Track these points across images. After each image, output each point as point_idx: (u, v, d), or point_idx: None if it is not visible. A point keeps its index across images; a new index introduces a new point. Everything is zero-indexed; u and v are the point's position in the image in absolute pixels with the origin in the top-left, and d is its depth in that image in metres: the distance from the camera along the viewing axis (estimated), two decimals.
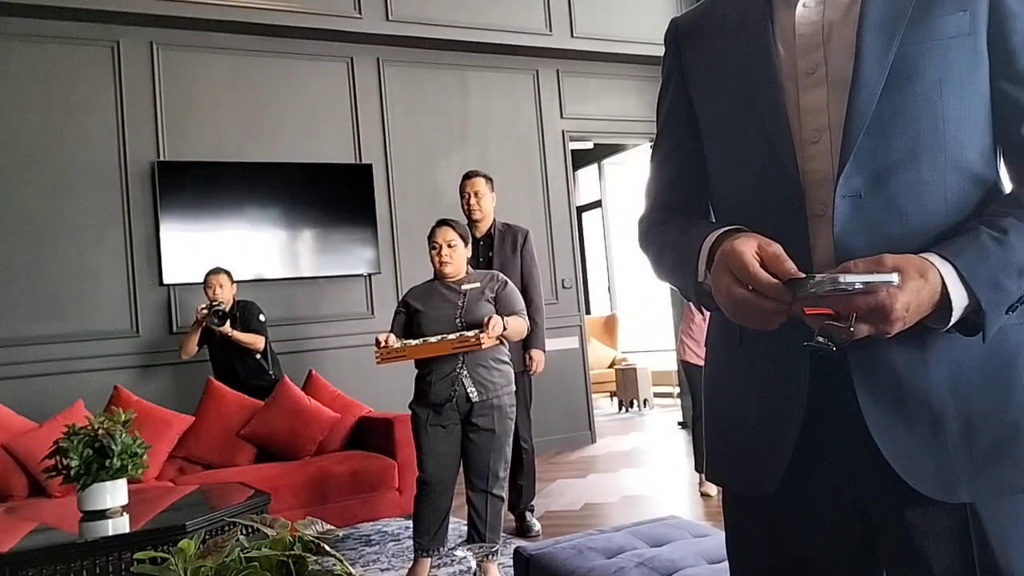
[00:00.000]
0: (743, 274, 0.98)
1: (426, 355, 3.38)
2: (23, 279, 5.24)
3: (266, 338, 4.98)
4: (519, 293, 3.62)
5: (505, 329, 3.37)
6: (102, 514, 2.70)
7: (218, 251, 5.69)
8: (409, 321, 3.54)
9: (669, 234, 1.22)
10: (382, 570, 3.78)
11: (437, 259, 3.51)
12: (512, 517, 4.36)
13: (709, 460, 1.24)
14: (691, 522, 2.62)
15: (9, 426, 4.06)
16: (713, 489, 4.81)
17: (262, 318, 4.99)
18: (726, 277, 1.01)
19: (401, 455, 4.34)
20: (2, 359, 5.10)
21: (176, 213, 5.61)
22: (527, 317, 3.59)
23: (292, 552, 1.49)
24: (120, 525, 2.65)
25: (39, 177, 5.34)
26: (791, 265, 0.96)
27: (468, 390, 3.37)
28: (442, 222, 3.58)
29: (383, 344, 3.34)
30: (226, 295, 4.93)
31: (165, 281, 5.56)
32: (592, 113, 7.30)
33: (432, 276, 3.63)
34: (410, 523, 4.46)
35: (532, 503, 4.45)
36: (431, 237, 3.55)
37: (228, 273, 5.02)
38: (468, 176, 4.37)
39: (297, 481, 4.09)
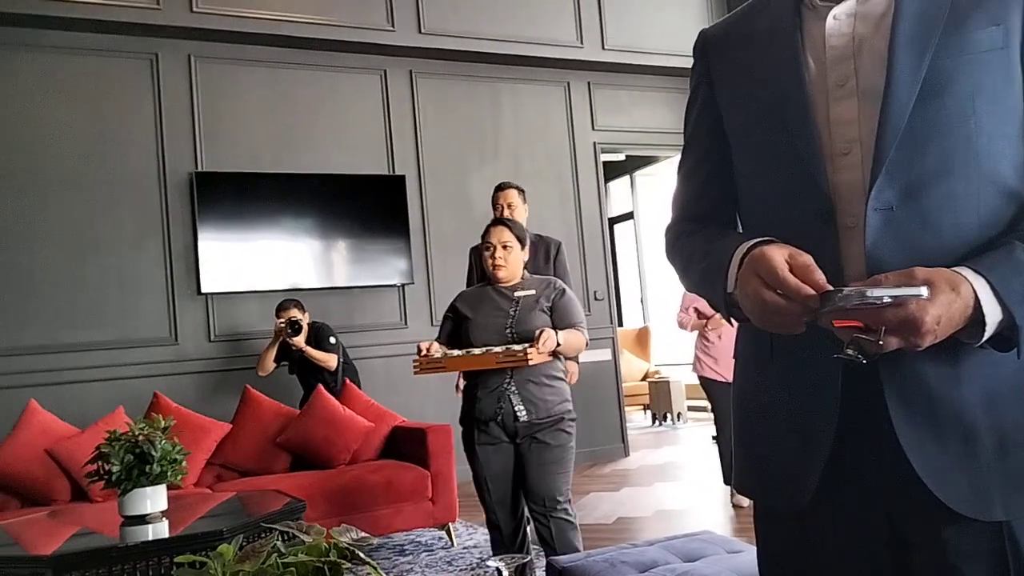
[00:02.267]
0: (772, 278, 0.98)
1: (467, 368, 3.11)
2: (65, 288, 5.36)
3: (339, 359, 5.14)
4: (578, 303, 3.22)
5: (559, 345, 2.99)
6: (142, 519, 2.75)
7: (254, 261, 5.79)
8: (457, 328, 3.21)
9: (697, 245, 1.22)
10: None
11: (490, 261, 3.15)
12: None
13: (738, 472, 1.23)
14: (725, 537, 2.60)
15: (52, 432, 4.14)
16: (745, 501, 4.78)
17: (333, 340, 5.17)
18: (754, 280, 1.01)
19: (435, 465, 4.35)
20: (45, 366, 5.22)
21: (214, 223, 5.70)
22: (586, 330, 3.20)
23: (328, 559, 1.51)
24: (160, 530, 2.69)
25: (81, 187, 5.46)
26: (821, 276, 0.96)
27: (516, 408, 3.02)
28: (497, 221, 3.26)
29: (423, 352, 3.05)
30: (301, 320, 5.12)
31: (203, 290, 5.65)
32: (623, 125, 7.31)
33: (484, 280, 3.32)
34: (442, 534, 4.49)
35: None
36: (485, 237, 3.20)
37: (299, 303, 5.21)
38: (501, 188, 4.40)
39: (331, 489, 4.13)
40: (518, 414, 3.02)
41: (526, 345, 2.95)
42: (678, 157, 1.34)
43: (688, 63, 1.33)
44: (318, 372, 5.05)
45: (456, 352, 3.08)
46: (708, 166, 1.27)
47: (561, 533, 3.01)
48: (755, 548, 1.24)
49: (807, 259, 0.98)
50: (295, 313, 5.12)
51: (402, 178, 6.35)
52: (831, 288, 0.95)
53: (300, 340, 5.04)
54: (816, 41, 1.11)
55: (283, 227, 5.95)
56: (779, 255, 0.99)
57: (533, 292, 3.15)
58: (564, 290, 3.17)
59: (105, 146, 5.55)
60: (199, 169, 5.75)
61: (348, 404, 4.70)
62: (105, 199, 5.52)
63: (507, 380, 3.03)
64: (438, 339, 3.22)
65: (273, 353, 5.18)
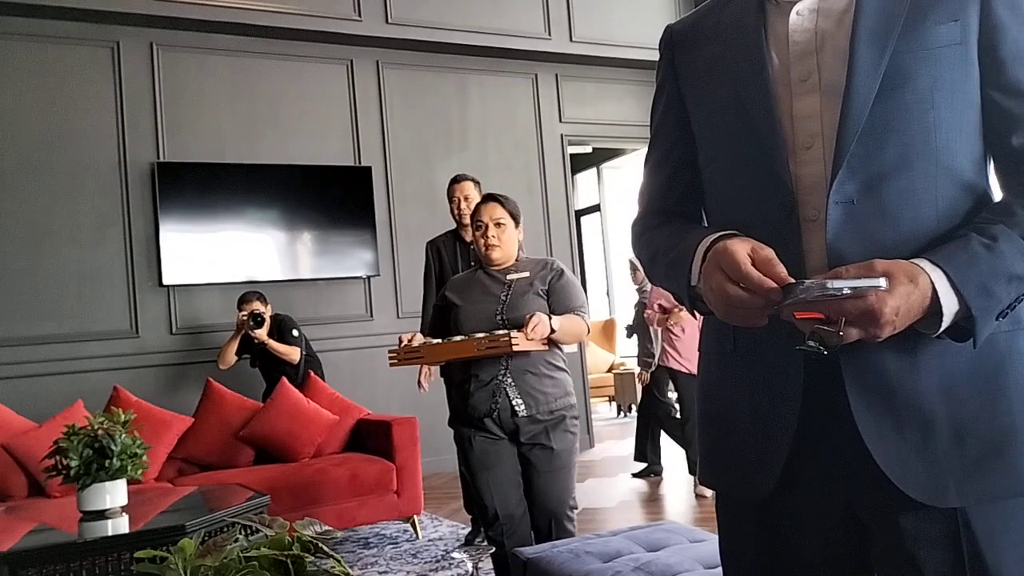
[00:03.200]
0: (735, 272, 0.99)
1: (447, 357, 2.87)
2: (23, 279, 5.25)
3: (302, 351, 5.09)
4: (579, 286, 2.95)
5: (553, 331, 2.72)
6: (102, 514, 2.71)
7: (217, 253, 5.72)
8: (445, 318, 2.94)
9: (663, 238, 1.23)
10: (380, 573, 3.79)
11: (483, 242, 2.89)
12: None
13: (702, 463, 1.25)
14: (687, 527, 2.63)
15: (9, 426, 4.06)
16: (709, 491, 4.84)
17: (295, 332, 5.12)
18: (718, 275, 1.02)
19: (399, 458, 4.34)
20: (2, 359, 5.11)
21: (176, 214, 5.62)
22: (587, 315, 2.90)
23: (291, 552, 1.50)
24: (120, 525, 2.65)
25: (39, 178, 5.35)
26: (782, 269, 0.97)
27: (513, 402, 2.75)
28: (489, 196, 2.99)
29: (404, 343, 2.84)
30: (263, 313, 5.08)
31: (165, 282, 5.57)
32: (591, 117, 7.32)
33: (475, 264, 3.08)
34: (407, 526, 4.48)
35: None
36: (475, 216, 2.95)
37: (261, 296, 5.16)
38: (456, 180, 4.38)
39: (295, 483, 4.10)
40: (516, 408, 2.75)
41: (514, 331, 2.68)
42: (645, 150, 1.35)
43: (656, 56, 1.33)
44: (281, 365, 5.01)
45: (435, 340, 2.84)
46: (674, 160, 1.28)
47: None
48: (717, 537, 1.25)
49: (769, 253, 0.99)
50: (257, 305, 5.07)
51: (368, 169, 6.31)
52: (793, 281, 0.96)
53: (262, 333, 4.99)
54: (779, 37, 1.12)
55: (247, 218, 5.88)
56: (742, 249, 1.00)
57: (527, 274, 2.87)
58: (562, 271, 2.90)
59: (65, 135, 5.44)
60: (161, 159, 5.66)
61: (312, 397, 4.67)
62: (65, 189, 5.41)
63: (502, 372, 2.76)
64: (422, 330, 3.03)
65: (235, 346, 5.12)
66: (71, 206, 5.42)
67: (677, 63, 1.26)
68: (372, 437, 4.56)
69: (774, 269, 0.97)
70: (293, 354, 5.03)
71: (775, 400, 1.09)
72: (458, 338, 2.77)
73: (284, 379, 4.74)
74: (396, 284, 6.37)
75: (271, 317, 5.12)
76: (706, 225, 1.26)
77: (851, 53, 1.04)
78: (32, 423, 4.13)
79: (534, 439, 2.77)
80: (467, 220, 4.31)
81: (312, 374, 4.94)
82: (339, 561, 1.51)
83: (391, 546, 4.26)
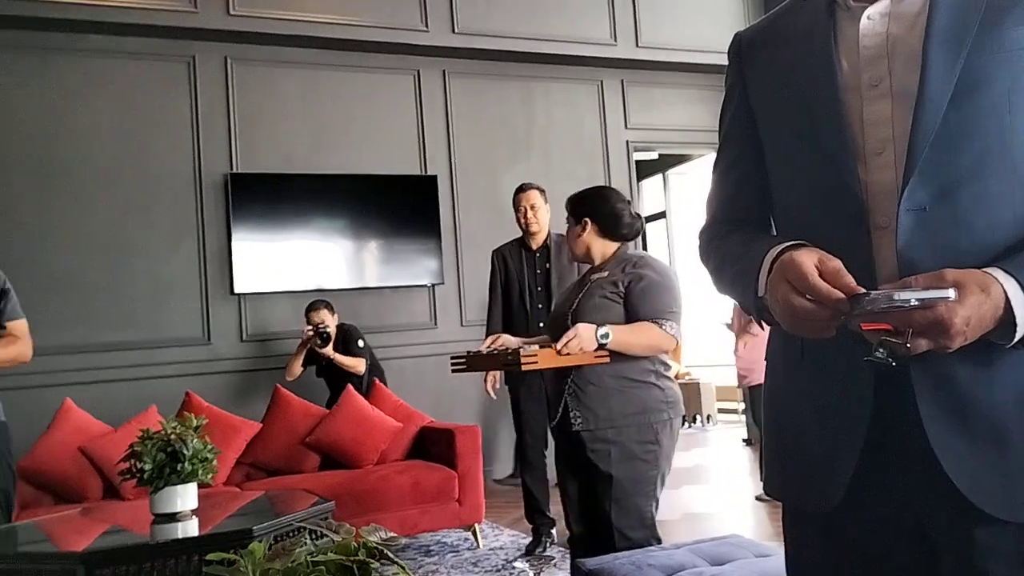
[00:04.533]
0: (802, 283, 0.98)
1: (470, 369, 2.79)
2: (101, 288, 5.44)
3: (367, 362, 5.15)
4: (664, 289, 2.60)
5: (601, 344, 2.49)
6: (173, 517, 2.77)
7: (286, 261, 5.83)
8: None
9: (730, 247, 1.22)
10: None
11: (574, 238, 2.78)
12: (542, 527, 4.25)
13: (768, 474, 1.23)
14: (753, 541, 2.58)
15: (86, 430, 4.19)
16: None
17: (361, 344, 5.19)
18: (784, 286, 1.01)
19: (462, 466, 4.35)
20: (80, 365, 5.29)
21: (247, 224, 5.76)
22: (670, 325, 2.58)
23: (357, 558, 1.51)
24: (190, 528, 2.71)
25: (117, 189, 5.54)
26: (850, 280, 0.96)
27: (571, 414, 2.57)
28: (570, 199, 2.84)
29: (487, 345, 2.75)
30: (329, 324, 5.15)
31: (236, 290, 5.71)
32: (657, 123, 7.27)
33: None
34: (468, 535, 4.48)
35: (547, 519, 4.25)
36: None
37: (328, 304, 5.23)
38: (522, 189, 4.37)
39: (359, 489, 4.14)
40: (574, 422, 2.56)
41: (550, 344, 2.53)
42: (712, 155, 1.35)
43: (723, 60, 1.33)
44: (346, 376, 5.07)
45: (479, 350, 2.76)
46: (742, 168, 1.27)
47: None
48: (783, 552, 1.24)
49: (837, 264, 0.98)
50: (325, 314, 5.14)
51: (434, 178, 6.37)
52: (861, 291, 0.94)
53: (329, 350, 5.08)
54: (850, 42, 1.10)
55: (315, 227, 5.99)
56: (809, 260, 0.99)
57: (606, 274, 2.65)
58: (643, 275, 2.59)
59: (142, 148, 5.62)
60: (234, 171, 5.81)
61: (377, 404, 4.72)
62: (141, 200, 5.59)
63: (567, 381, 2.59)
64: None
65: (301, 359, 5.22)
66: (147, 217, 5.60)
67: (745, 71, 1.25)
68: (435, 445, 4.59)
69: (842, 280, 0.96)
70: (359, 366, 5.09)
71: (844, 412, 1.07)
72: (532, 347, 2.60)
73: (349, 386, 4.80)
74: (460, 292, 6.41)
75: (337, 327, 5.19)
76: (775, 233, 1.25)
77: (924, 57, 1.02)
78: (108, 427, 4.26)
79: (598, 459, 2.54)
80: (534, 228, 4.32)
81: (377, 382, 5.00)
82: (403, 568, 1.52)
83: (452, 554, 4.27)
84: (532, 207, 4.29)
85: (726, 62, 1.31)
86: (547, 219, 4.37)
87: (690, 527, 4.67)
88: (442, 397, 6.05)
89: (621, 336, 2.52)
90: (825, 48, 1.11)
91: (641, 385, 2.57)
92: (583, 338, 2.47)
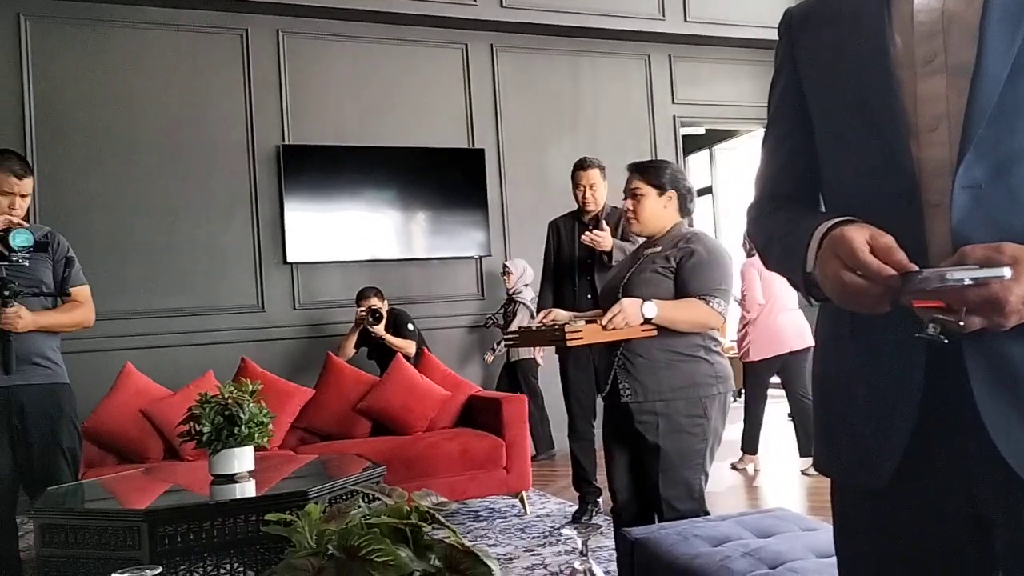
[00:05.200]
0: (852, 259, 0.98)
1: (517, 345, 2.92)
2: (159, 255, 5.59)
3: (418, 344, 5.25)
4: (715, 266, 2.59)
5: (647, 320, 2.50)
6: (231, 478, 2.86)
7: (337, 232, 5.93)
8: None
9: (778, 223, 1.22)
10: (489, 545, 3.88)
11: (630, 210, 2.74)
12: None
13: (817, 450, 1.23)
14: (799, 515, 2.59)
15: (146, 393, 4.34)
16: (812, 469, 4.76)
17: (411, 327, 5.30)
18: (834, 262, 1.01)
19: (509, 435, 4.42)
20: (141, 330, 5.46)
21: (299, 194, 5.86)
22: (717, 302, 2.57)
23: (409, 521, 1.57)
24: (248, 489, 2.80)
25: (173, 159, 5.67)
26: (903, 256, 0.95)
27: (620, 386, 2.60)
28: (631, 167, 2.80)
29: (540, 319, 2.76)
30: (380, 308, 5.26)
31: (289, 259, 5.82)
32: (704, 98, 7.20)
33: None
34: (516, 502, 4.56)
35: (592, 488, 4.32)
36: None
37: (378, 291, 5.34)
38: (583, 167, 4.28)
39: (409, 455, 4.23)
40: (622, 393, 2.58)
41: (582, 320, 2.59)
42: (759, 131, 1.35)
43: (771, 35, 1.32)
44: (395, 357, 5.15)
45: (530, 325, 2.81)
46: (791, 144, 1.27)
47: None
48: (830, 526, 1.24)
49: (889, 240, 0.97)
50: (375, 301, 5.25)
51: (481, 151, 6.40)
52: (913, 269, 0.94)
53: (380, 328, 5.19)
54: (904, 17, 1.09)
55: (365, 199, 6.07)
56: (859, 236, 0.99)
57: (659, 248, 2.65)
58: (694, 251, 2.58)
59: (197, 119, 5.73)
60: (286, 142, 5.90)
61: (426, 373, 4.80)
62: (197, 170, 5.72)
63: (618, 351, 2.60)
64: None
65: (353, 339, 5.33)
66: (203, 186, 5.72)
67: (796, 47, 1.24)
68: (482, 414, 4.66)
69: (894, 256, 0.96)
70: (408, 348, 5.18)
71: (894, 389, 1.06)
72: (580, 322, 2.61)
73: (399, 355, 4.89)
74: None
75: (388, 311, 5.29)
76: (823, 210, 1.24)
77: (981, 32, 1.00)
78: (167, 391, 4.40)
79: (646, 430, 2.56)
80: (590, 207, 4.28)
81: (426, 351, 5.08)
82: (454, 531, 1.57)
83: (500, 520, 4.35)
84: (592, 187, 4.24)
85: (775, 37, 1.30)
86: (604, 196, 4.33)
87: (735, 499, 4.69)
88: (488, 366, 6.13)
89: (667, 312, 2.52)
90: (878, 24, 1.09)
91: (690, 359, 2.57)
92: (628, 313, 2.48)
